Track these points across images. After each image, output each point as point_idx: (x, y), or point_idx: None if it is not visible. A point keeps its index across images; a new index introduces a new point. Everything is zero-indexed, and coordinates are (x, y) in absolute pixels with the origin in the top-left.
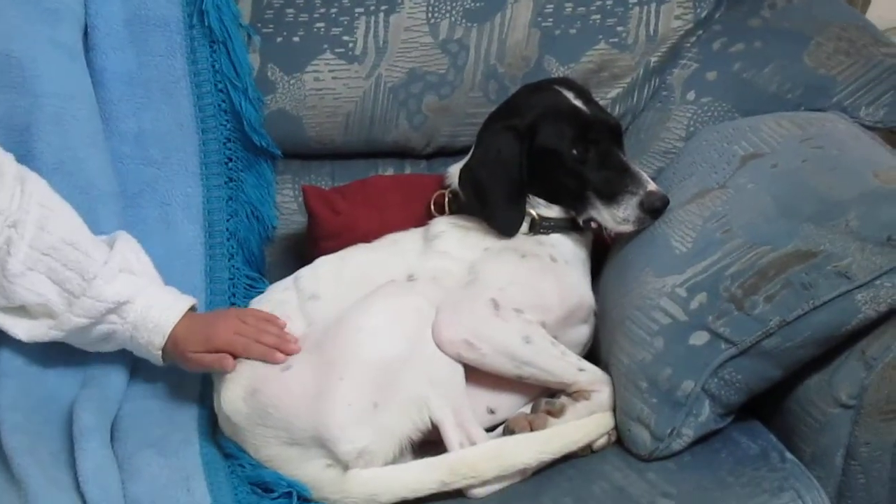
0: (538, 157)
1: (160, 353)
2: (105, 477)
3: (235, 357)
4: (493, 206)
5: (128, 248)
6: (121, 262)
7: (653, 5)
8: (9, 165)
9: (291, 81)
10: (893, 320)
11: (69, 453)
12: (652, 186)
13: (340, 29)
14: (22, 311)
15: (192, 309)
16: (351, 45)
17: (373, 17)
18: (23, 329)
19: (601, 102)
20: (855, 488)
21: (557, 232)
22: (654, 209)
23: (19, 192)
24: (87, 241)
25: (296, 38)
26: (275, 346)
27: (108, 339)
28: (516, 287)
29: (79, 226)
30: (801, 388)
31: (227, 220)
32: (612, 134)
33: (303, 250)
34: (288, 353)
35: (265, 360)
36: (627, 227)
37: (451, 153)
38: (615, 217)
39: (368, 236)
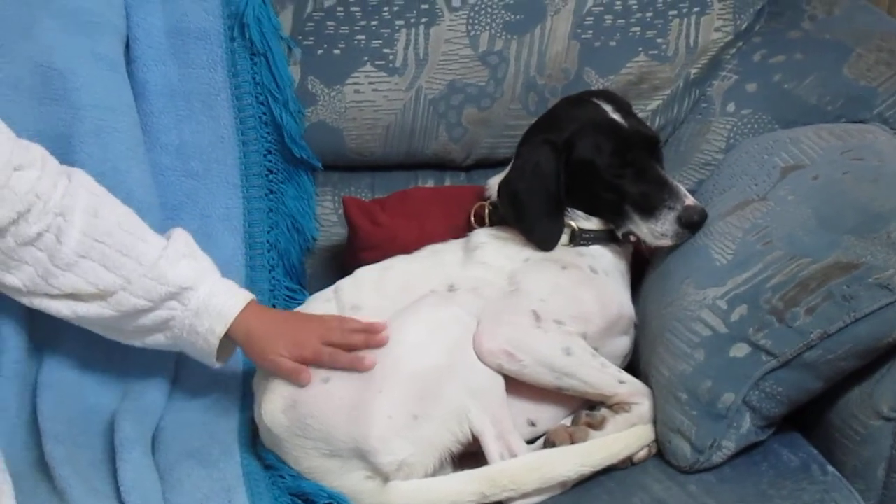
0: (576, 171)
1: (217, 343)
2: (146, 487)
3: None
4: (532, 219)
5: (187, 238)
6: (183, 248)
7: (693, 17)
8: (52, 159)
9: (332, 94)
10: None
11: (110, 464)
12: (690, 200)
13: (381, 41)
14: (71, 296)
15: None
16: (391, 57)
17: (413, 30)
18: (70, 309)
19: (641, 114)
20: None
21: (597, 243)
22: (692, 223)
23: (65, 181)
24: (143, 229)
25: (336, 51)
26: (365, 343)
27: (163, 328)
28: (557, 298)
29: (132, 214)
30: (843, 401)
31: (268, 232)
32: (651, 147)
33: (343, 262)
34: (380, 345)
35: (355, 369)
36: (666, 242)
37: (491, 165)
38: (653, 231)
39: (408, 247)
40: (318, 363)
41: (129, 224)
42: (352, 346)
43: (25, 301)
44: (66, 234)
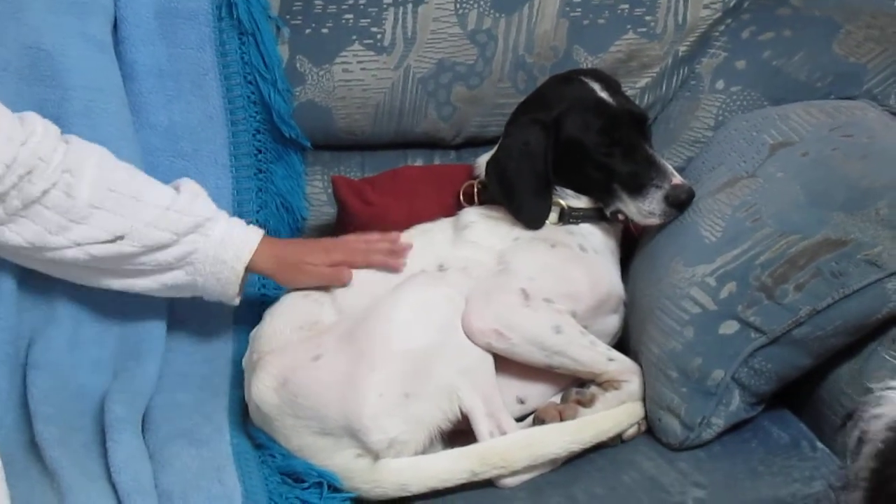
0: (564, 150)
1: (243, 270)
2: (136, 467)
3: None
4: (520, 198)
5: (195, 184)
6: (195, 189)
7: None
8: (52, 126)
9: (320, 73)
10: None
11: (101, 444)
12: (677, 179)
13: (369, 20)
14: (85, 244)
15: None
16: (379, 36)
17: (401, 9)
18: (85, 252)
19: (630, 92)
20: None
21: (587, 222)
22: (680, 202)
23: (64, 145)
24: (151, 179)
25: (324, 30)
26: (391, 248)
27: (184, 263)
28: (546, 277)
29: (138, 170)
30: (832, 377)
31: (257, 212)
32: (639, 126)
33: None
34: (402, 254)
35: (388, 268)
36: (653, 220)
37: (481, 143)
38: (641, 210)
39: (398, 226)
40: (351, 263)
41: (138, 174)
42: (378, 249)
43: (36, 258)
44: (76, 188)
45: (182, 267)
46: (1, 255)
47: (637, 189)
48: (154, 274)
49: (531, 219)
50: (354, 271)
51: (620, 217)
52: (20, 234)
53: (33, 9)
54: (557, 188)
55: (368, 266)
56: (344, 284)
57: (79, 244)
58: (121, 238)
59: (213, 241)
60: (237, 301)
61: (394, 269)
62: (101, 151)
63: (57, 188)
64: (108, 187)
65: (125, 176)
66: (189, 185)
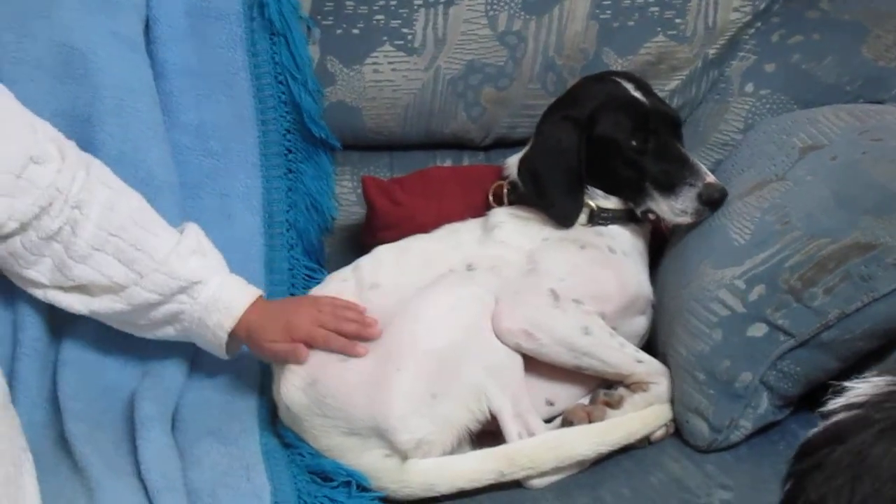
0: (597, 148)
1: (226, 337)
2: (166, 464)
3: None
4: (552, 196)
5: (199, 234)
6: (194, 244)
7: None
8: (70, 150)
9: (351, 73)
10: None
11: (130, 442)
12: (710, 178)
13: (400, 21)
14: (82, 288)
15: (261, 298)
16: (410, 37)
17: (432, 10)
18: (82, 303)
19: (660, 94)
20: None
21: (615, 223)
22: (713, 201)
23: (83, 175)
24: (156, 224)
25: (355, 31)
26: (356, 333)
27: (173, 321)
28: (575, 278)
29: (147, 209)
30: None
31: (287, 212)
32: (671, 125)
33: (361, 241)
34: (369, 339)
35: (346, 354)
36: (686, 219)
37: (510, 144)
38: (673, 208)
39: (427, 226)
40: (311, 345)
41: (143, 219)
42: (343, 333)
43: (41, 294)
44: (81, 226)
45: (173, 324)
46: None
47: (670, 188)
48: (150, 329)
49: (563, 216)
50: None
51: (651, 217)
52: (39, 269)
53: (65, 7)
54: (588, 188)
55: (327, 349)
56: (300, 363)
57: (78, 286)
58: (114, 292)
59: (199, 305)
60: (227, 358)
61: (352, 355)
62: (113, 185)
63: (68, 224)
64: (111, 231)
65: (129, 220)
66: (191, 236)
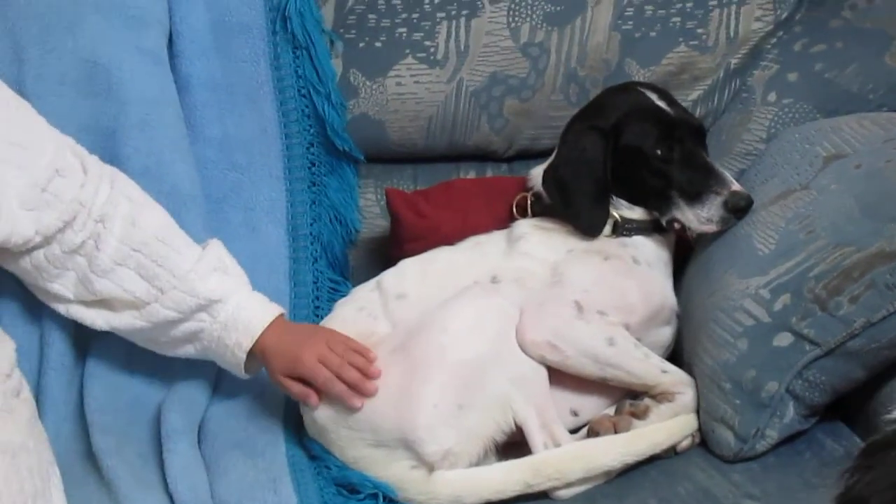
0: (622, 157)
1: (244, 357)
2: (193, 477)
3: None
4: (578, 205)
5: (221, 251)
6: (215, 262)
7: (733, 7)
8: (93, 164)
9: (374, 86)
10: None
11: (157, 455)
12: (736, 186)
13: (422, 34)
14: (103, 303)
15: (282, 317)
16: (432, 49)
17: (454, 22)
18: (104, 319)
19: (682, 104)
20: None
21: (640, 234)
22: (739, 209)
23: (107, 189)
24: (179, 239)
25: (378, 44)
26: (354, 383)
27: (193, 339)
28: (600, 289)
29: (170, 224)
30: (886, 389)
31: (311, 224)
32: (696, 134)
33: (386, 253)
34: (366, 395)
35: (342, 402)
36: (711, 227)
37: (533, 156)
38: (699, 217)
39: (451, 238)
40: (312, 382)
41: (166, 234)
42: (344, 379)
43: (63, 309)
44: (104, 240)
45: (193, 342)
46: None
47: (695, 196)
48: (171, 347)
49: (589, 227)
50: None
51: (676, 226)
52: (62, 282)
53: (89, 22)
54: (612, 199)
55: (326, 393)
56: (312, 407)
57: (100, 299)
58: (134, 308)
59: (218, 324)
60: (247, 377)
61: (349, 406)
62: (136, 199)
63: (91, 238)
64: (134, 246)
65: (151, 236)
66: (213, 254)
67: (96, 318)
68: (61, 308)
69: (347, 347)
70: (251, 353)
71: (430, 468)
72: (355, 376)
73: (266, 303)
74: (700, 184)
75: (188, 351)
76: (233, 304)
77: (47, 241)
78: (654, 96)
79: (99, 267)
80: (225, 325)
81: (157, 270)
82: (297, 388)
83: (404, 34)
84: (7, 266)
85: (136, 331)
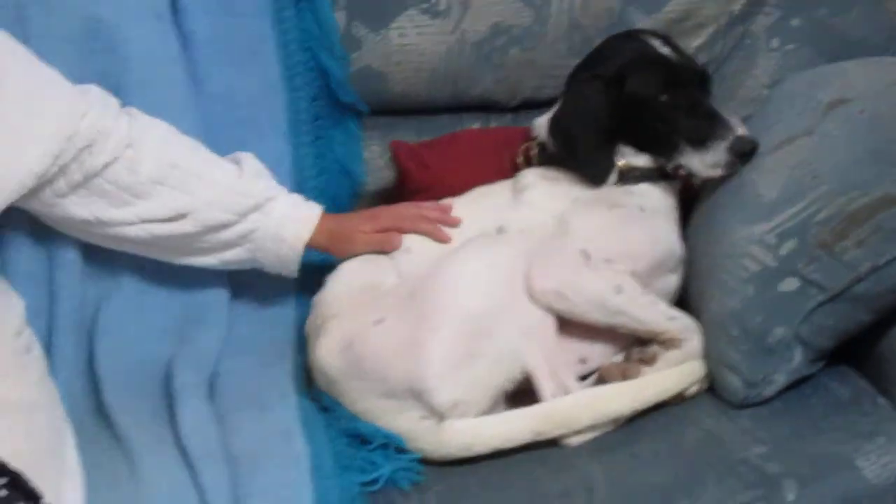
0: (627, 105)
1: (302, 248)
2: (205, 433)
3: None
4: (583, 154)
5: (255, 160)
6: (257, 167)
7: None
8: (111, 98)
9: (377, 38)
10: None
11: (168, 410)
12: (741, 131)
13: None
14: (148, 221)
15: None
16: (435, 0)
17: None
18: (147, 231)
19: (686, 51)
20: None
21: (645, 181)
22: (744, 153)
23: (126, 118)
24: (213, 155)
25: None
26: (438, 219)
27: (243, 241)
28: (606, 237)
29: (200, 145)
30: (893, 333)
31: (317, 177)
32: (701, 80)
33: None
34: (452, 225)
35: (433, 237)
36: (717, 172)
37: (536, 106)
38: (705, 162)
39: (457, 189)
40: (399, 228)
41: (201, 150)
42: (427, 217)
43: (98, 233)
44: (138, 163)
45: (243, 244)
46: (65, 230)
47: (701, 142)
48: (215, 252)
49: (594, 175)
50: (415, 236)
51: (682, 172)
52: (84, 206)
53: None
54: (618, 146)
55: (415, 232)
56: (395, 248)
57: (142, 220)
58: (183, 216)
59: (273, 220)
60: (296, 274)
61: (440, 240)
62: (164, 126)
63: (119, 163)
64: (171, 164)
65: (187, 152)
66: (250, 161)
67: (139, 232)
68: (98, 232)
69: (410, 203)
70: (317, 241)
71: (440, 418)
72: (436, 213)
73: (306, 199)
74: (705, 129)
75: (236, 254)
76: (283, 201)
77: (63, 169)
78: (657, 43)
79: (139, 189)
80: (281, 220)
81: (199, 183)
82: (378, 236)
83: None
84: (28, 205)
85: (180, 236)
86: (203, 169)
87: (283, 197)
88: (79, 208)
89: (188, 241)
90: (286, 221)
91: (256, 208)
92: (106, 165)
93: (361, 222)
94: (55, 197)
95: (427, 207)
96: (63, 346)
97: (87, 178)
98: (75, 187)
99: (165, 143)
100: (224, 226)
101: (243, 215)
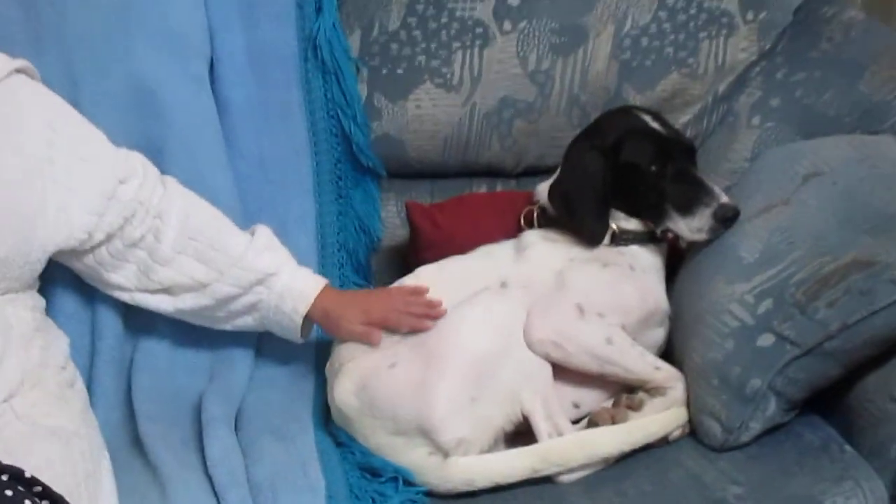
0: (621, 173)
1: (301, 321)
2: (231, 461)
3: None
4: (580, 217)
5: (268, 232)
6: (265, 242)
7: (721, 38)
8: (151, 167)
9: (395, 108)
10: None
11: (198, 440)
12: (725, 199)
13: (439, 61)
14: (167, 290)
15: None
16: (449, 75)
17: (468, 51)
18: (169, 303)
19: (674, 126)
20: None
21: (636, 243)
22: (727, 219)
23: (161, 188)
24: (228, 226)
25: (399, 70)
26: (424, 314)
27: (251, 311)
28: (599, 293)
29: (219, 215)
30: (860, 386)
31: (338, 234)
32: (688, 152)
33: (405, 260)
34: (436, 318)
35: (416, 330)
36: (702, 236)
37: (539, 172)
38: (691, 227)
39: (465, 247)
40: (385, 325)
41: (218, 223)
42: (413, 312)
43: (127, 297)
44: (163, 233)
45: (251, 313)
46: (102, 290)
47: (688, 208)
48: (230, 320)
49: (591, 236)
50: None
51: (670, 235)
52: (118, 272)
53: (139, 50)
54: (611, 211)
55: (399, 327)
56: (374, 345)
57: (164, 287)
58: (203, 286)
59: (275, 294)
60: (301, 341)
61: (422, 331)
62: (190, 197)
63: (150, 232)
64: (189, 236)
65: (205, 224)
66: (263, 234)
67: (160, 303)
68: (125, 297)
69: (405, 291)
70: (306, 318)
71: (446, 454)
72: (421, 309)
73: (313, 274)
74: (691, 197)
75: (247, 322)
76: (286, 276)
77: (109, 237)
78: (648, 118)
79: (161, 257)
80: (281, 295)
81: (214, 254)
82: (360, 328)
83: (423, 62)
84: (73, 265)
85: (199, 308)
86: (217, 241)
87: (287, 272)
88: (114, 274)
89: (206, 313)
90: (286, 296)
91: (260, 282)
92: (143, 237)
93: (354, 312)
94: (96, 262)
95: (415, 303)
96: (103, 380)
97: (127, 248)
98: (114, 255)
99: (187, 216)
100: (232, 297)
101: (248, 288)
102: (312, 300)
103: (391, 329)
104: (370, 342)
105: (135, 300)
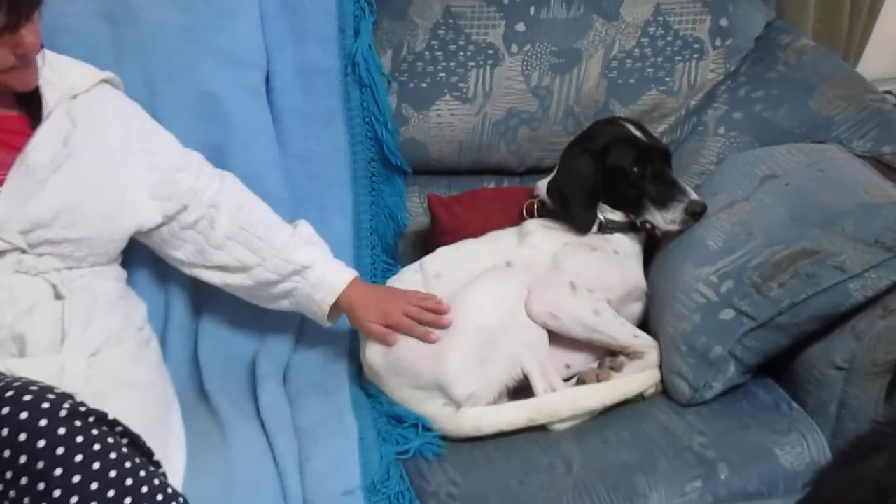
0: (608, 173)
1: (328, 310)
2: (279, 409)
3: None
4: (574, 210)
5: (309, 228)
6: (305, 236)
7: (693, 62)
8: (207, 164)
9: (420, 117)
10: (878, 303)
11: (252, 392)
12: (694, 196)
13: (457, 78)
14: (220, 268)
15: (357, 278)
16: (465, 90)
17: (482, 69)
18: (220, 279)
19: (653, 134)
20: (846, 432)
21: (619, 232)
22: (696, 213)
23: (217, 182)
24: (275, 220)
25: (424, 85)
26: (432, 322)
27: (288, 296)
28: (588, 273)
29: (268, 209)
30: (806, 354)
31: (370, 220)
32: (664, 156)
33: (426, 243)
34: (442, 328)
35: (423, 340)
36: (675, 227)
37: (540, 171)
38: (665, 219)
39: (477, 233)
40: (397, 329)
41: (265, 216)
42: (422, 322)
43: (187, 271)
44: (217, 221)
45: (288, 298)
46: (170, 263)
47: (663, 203)
48: (269, 301)
49: (582, 225)
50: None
51: (648, 226)
52: (178, 249)
53: (205, 62)
54: (599, 204)
55: (409, 334)
56: (390, 346)
57: (216, 266)
58: (247, 269)
59: (308, 284)
60: (329, 325)
61: (427, 342)
62: (244, 191)
63: (205, 218)
64: (240, 225)
65: (255, 217)
66: (302, 231)
67: (213, 277)
68: (186, 270)
69: (420, 298)
70: (334, 307)
71: (458, 406)
72: (431, 317)
73: (345, 267)
74: (667, 194)
75: (283, 305)
76: (319, 269)
77: (169, 219)
78: (632, 127)
79: (214, 241)
80: (314, 286)
81: (261, 244)
82: (379, 329)
83: (444, 78)
84: (143, 240)
85: (244, 287)
86: (264, 233)
87: (321, 266)
88: (175, 251)
89: (249, 292)
90: (318, 287)
91: (296, 272)
92: (196, 221)
93: (376, 312)
94: (160, 240)
95: (425, 312)
96: (174, 340)
97: (183, 229)
98: (174, 235)
99: (239, 208)
100: (271, 283)
101: (286, 277)
102: (340, 293)
103: (404, 330)
104: (387, 343)
105: (193, 273)
